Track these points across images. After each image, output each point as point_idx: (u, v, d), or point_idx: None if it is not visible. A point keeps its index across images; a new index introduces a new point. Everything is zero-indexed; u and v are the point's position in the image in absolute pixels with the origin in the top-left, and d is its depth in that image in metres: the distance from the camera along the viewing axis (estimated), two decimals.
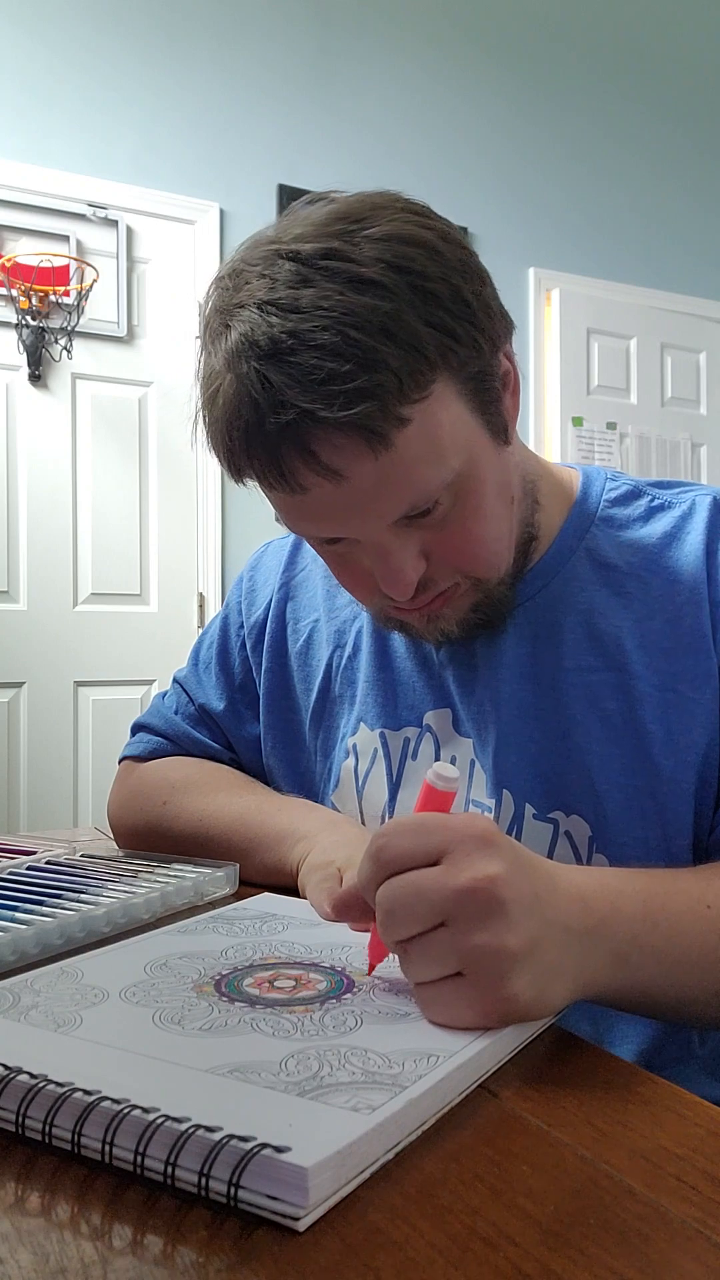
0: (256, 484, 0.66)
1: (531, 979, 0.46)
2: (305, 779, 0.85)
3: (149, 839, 0.86)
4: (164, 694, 0.95)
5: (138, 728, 0.94)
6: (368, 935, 0.55)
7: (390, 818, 0.77)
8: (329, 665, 0.83)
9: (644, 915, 0.53)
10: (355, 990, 0.50)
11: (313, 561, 0.89)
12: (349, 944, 0.57)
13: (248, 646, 0.89)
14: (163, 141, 3.10)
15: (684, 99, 3.98)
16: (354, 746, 0.81)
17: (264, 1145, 0.34)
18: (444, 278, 0.60)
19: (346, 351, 0.56)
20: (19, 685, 2.94)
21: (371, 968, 0.53)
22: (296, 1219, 0.33)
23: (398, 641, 0.80)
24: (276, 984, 0.51)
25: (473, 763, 0.75)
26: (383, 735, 0.79)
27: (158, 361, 3.11)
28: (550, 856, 0.70)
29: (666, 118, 3.94)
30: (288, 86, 3.28)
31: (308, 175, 3.25)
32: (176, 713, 0.91)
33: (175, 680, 0.94)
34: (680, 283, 3.96)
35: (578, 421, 3.71)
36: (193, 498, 3.15)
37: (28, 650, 2.94)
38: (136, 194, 3.05)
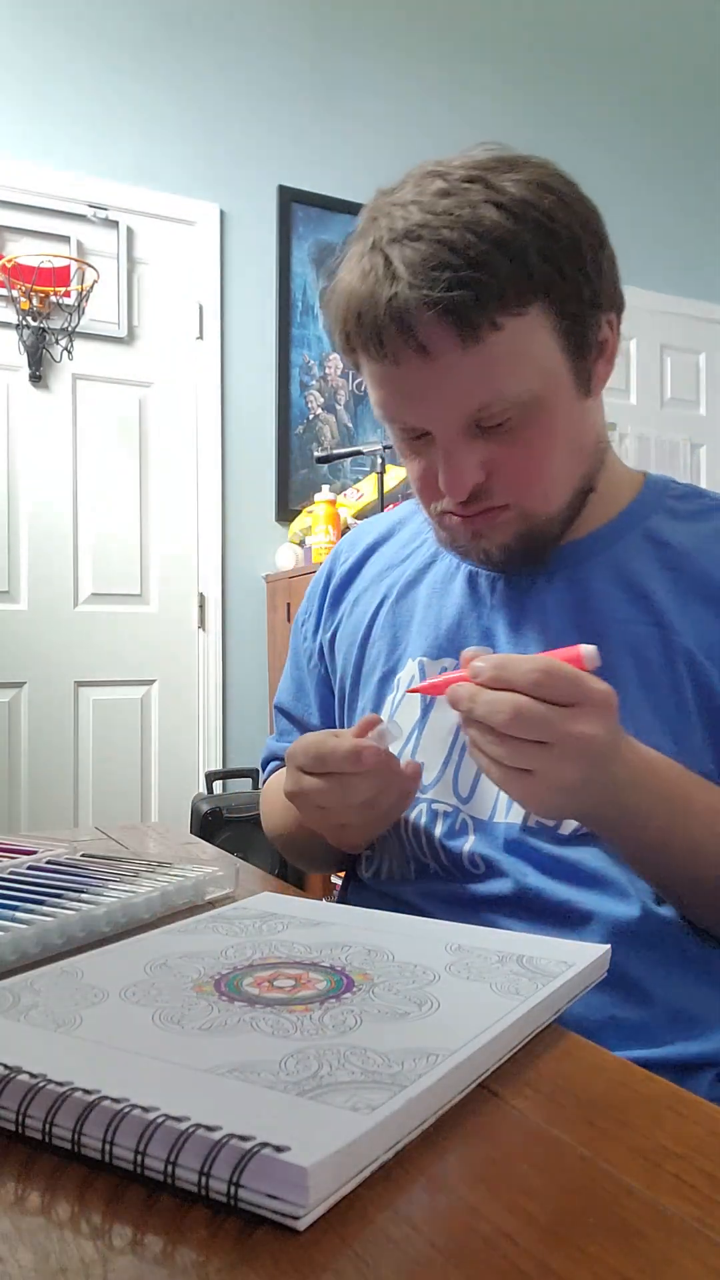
0: (362, 363, 0.74)
1: (564, 797, 0.62)
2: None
3: (283, 836, 0.96)
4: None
5: (264, 763, 1.05)
6: (367, 935, 0.57)
7: (420, 736, 0.81)
8: (372, 616, 0.89)
9: (666, 798, 0.67)
10: (355, 990, 0.50)
11: (369, 554, 0.95)
12: (349, 944, 0.57)
13: (324, 610, 0.96)
14: (163, 142, 3.10)
15: (681, 102, 3.98)
16: (398, 681, 0.85)
17: (264, 1144, 0.34)
18: (568, 224, 0.68)
19: (462, 249, 0.65)
20: (19, 685, 2.94)
21: (419, 690, 0.69)
22: (296, 1218, 0.33)
23: (453, 586, 0.85)
24: (276, 983, 0.51)
25: None
26: (421, 664, 0.83)
27: (158, 362, 3.11)
28: None
29: (666, 119, 3.95)
30: (288, 87, 3.28)
31: (308, 175, 3.25)
32: (278, 739, 1.01)
33: (275, 707, 1.03)
34: (679, 285, 3.96)
35: None
36: (193, 498, 3.15)
37: (28, 650, 2.94)
38: (137, 195, 3.05)
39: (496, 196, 0.66)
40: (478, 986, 0.50)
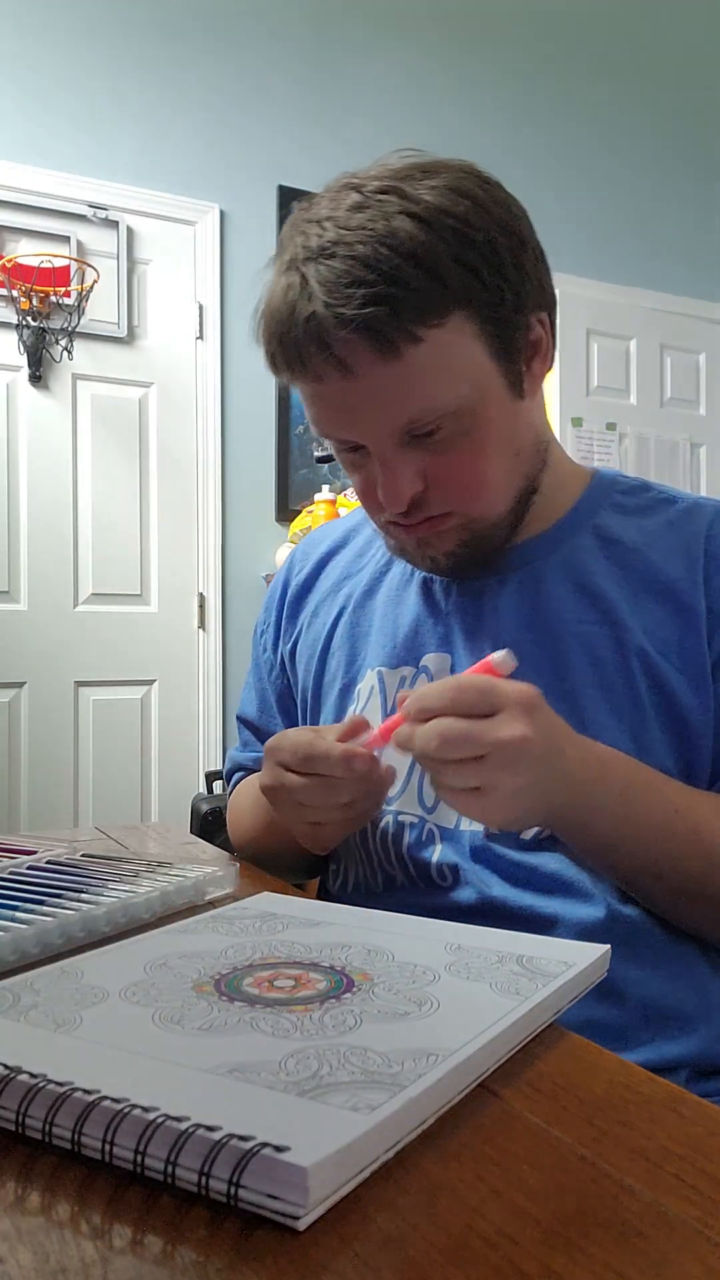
0: (292, 381, 0.73)
1: (519, 804, 0.63)
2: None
3: (251, 844, 0.94)
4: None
5: (229, 774, 1.03)
6: (367, 935, 0.57)
7: (383, 748, 0.80)
8: (331, 627, 0.89)
9: (621, 792, 0.68)
10: (355, 990, 0.50)
11: (324, 563, 0.94)
12: (349, 944, 0.57)
13: (282, 622, 0.95)
14: (163, 142, 3.10)
15: (682, 101, 3.98)
16: (358, 692, 0.85)
17: (264, 1145, 0.34)
18: (484, 229, 0.67)
19: (375, 264, 0.64)
20: (19, 685, 2.94)
21: (370, 745, 0.68)
22: (296, 1218, 0.33)
23: (409, 593, 0.85)
24: (276, 983, 0.51)
25: None
26: (380, 674, 0.83)
27: (158, 362, 3.11)
28: None
29: (665, 119, 3.95)
30: (287, 87, 3.28)
31: (308, 175, 3.25)
32: (242, 749, 1.00)
33: (237, 718, 1.02)
34: (679, 284, 3.96)
35: (577, 422, 3.71)
36: (193, 498, 3.15)
37: (28, 650, 2.94)
38: (137, 195, 3.05)
39: (410, 206, 0.65)
40: (478, 986, 0.50)
